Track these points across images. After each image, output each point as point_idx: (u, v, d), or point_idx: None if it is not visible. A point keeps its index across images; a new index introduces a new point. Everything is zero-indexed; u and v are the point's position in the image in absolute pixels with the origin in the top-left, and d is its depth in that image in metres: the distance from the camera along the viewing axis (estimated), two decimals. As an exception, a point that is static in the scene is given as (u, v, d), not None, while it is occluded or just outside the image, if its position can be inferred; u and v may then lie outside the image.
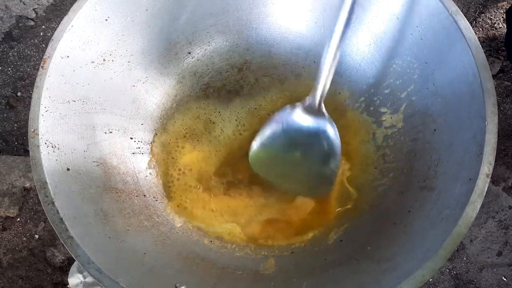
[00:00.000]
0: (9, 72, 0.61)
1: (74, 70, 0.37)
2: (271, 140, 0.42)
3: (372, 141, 0.45)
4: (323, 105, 0.40)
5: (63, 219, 0.30)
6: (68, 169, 0.34)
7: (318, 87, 0.38)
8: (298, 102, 0.41)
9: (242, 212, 0.43)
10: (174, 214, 0.42)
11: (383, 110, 0.44)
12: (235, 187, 0.45)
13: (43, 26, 0.64)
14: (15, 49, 0.62)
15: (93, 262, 0.29)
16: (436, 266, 0.29)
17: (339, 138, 0.41)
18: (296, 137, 0.41)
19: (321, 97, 0.39)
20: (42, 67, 0.35)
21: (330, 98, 0.48)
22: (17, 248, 0.53)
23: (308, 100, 0.40)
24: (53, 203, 0.31)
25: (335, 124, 0.41)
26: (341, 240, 0.39)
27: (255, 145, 0.43)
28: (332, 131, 0.41)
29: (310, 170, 0.43)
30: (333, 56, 0.36)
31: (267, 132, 0.42)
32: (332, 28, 0.36)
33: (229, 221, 0.42)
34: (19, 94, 0.60)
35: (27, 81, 0.61)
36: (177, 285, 0.32)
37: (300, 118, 0.41)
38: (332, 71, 0.37)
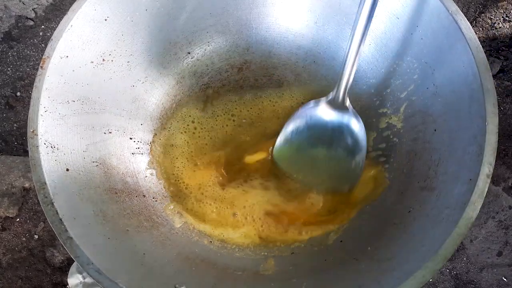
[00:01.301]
0: (8, 72, 0.61)
1: (73, 70, 0.37)
2: (295, 135, 0.42)
3: (372, 141, 0.45)
4: (347, 99, 0.40)
5: (62, 219, 0.30)
6: (67, 170, 0.34)
7: (341, 81, 0.38)
8: (322, 97, 0.41)
9: (251, 213, 0.43)
10: (183, 216, 0.42)
11: (383, 110, 0.44)
12: (237, 187, 0.45)
13: (43, 26, 0.63)
14: (15, 49, 0.62)
15: (92, 263, 0.29)
16: (436, 266, 0.29)
17: (365, 133, 0.41)
18: (320, 132, 0.41)
19: (344, 90, 0.39)
20: (41, 67, 0.34)
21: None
22: (16, 249, 0.52)
23: (331, 95, 0.40)
24: (52, 203, 0.31)
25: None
26: (341, 241, 0.39)
27: (279, 140, 0.43)
28: (357, 126, 0.41)
29: (334, 165, 0.43)
30: (356, 49, 0.36)
31: (290, 127, 0.42)
32: (348, 22, 0.35)
33: (240, 223, 0.42)
34: (18, 94, 0.60)
35: (26, 81, 0.60)
36: (177, 285, 0.31)
37: (324, 112, 0.41)
38: (356, 64, 0.37)
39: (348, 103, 0.40)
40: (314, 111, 0.41)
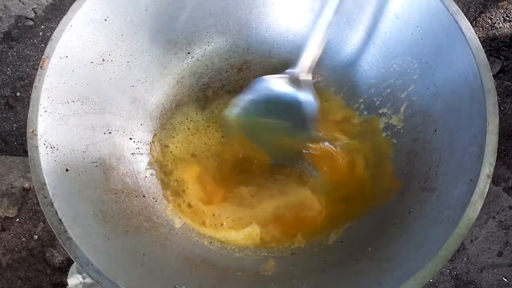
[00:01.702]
0: (8, 72, 0.61)
1: (73, 70, 0.37)
2: (252, 104, 0.43)
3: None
4: (308, 76, 0.41)
5: (62, 220, 0.30)
6: (67, 170, 0.34)
7: (303, 56, 0.39)
8: (286, 71, 0.42)
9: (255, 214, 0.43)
10: (184, 218, 0.42)
11: (383, 110, 0.44)
12: (240, 186, 0.44)
13: (42, 26, 0.63)
14: (14, 49, 0.62)
15: (92, 264, 0.29)
16: (436, 267, 0.28)
17: (317, 107, 0.41)
18: (275, 104, 0.42)
19: (308, 66, 0.40)
20: (41, 67, 0.34)
21: (331, 97, 0.48)
22: (16, 249, 0.52)
23: (292, 70, 0.41)
24: (52, 204, 0.31)
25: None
26: (341, 241, 0.39)
27: (234, 109, 0.43)
28: (312, 103, 0.41)
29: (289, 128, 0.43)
30: (325, 25, 0.37)
31: (249, 97, 0.43)
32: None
33: (244, 223, 0.42)
34: (18, 94, 0.60)
35: (26, 81, 0.60)
36: (177, 286, 0.31)
37: (283, 87, 0.41)
38: (323, 41, 0.38)
39: (309, 79, 0.41)
40: (272, 84, 0.42)
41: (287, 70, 0.41)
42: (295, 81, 0.41)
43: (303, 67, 0.40)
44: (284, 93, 0.41)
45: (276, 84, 0.41)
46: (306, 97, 0.41)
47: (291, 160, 0.46)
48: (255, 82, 0.42)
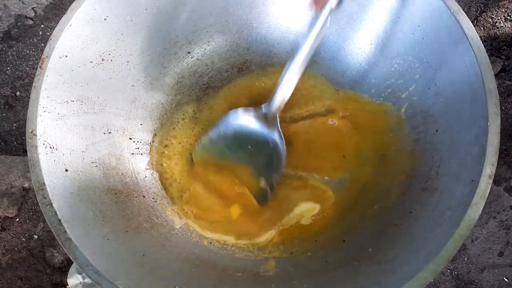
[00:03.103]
0: (8, 72, 0.61)
1: (72, 70, 0.37)
2: (219, 138, 0.43)
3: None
4: (277, 115, 0.41)
5: (61, 220, 0.30)
6: (66, 170, 0.34)
7: (276, 95, 0.39)
8: (254, 107, 0.42)
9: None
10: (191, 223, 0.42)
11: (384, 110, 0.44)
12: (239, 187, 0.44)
13: (42, 25, 0.63)
14: (14, 49, 0.62)
15: (91, 264, 0.29)
16: (438, 268, 0.28)
17: (285, 152, 0.41)
18: (243, 141, 0.42)
19: (277, 107, 0.40)
20: (40, 67, 0.34)
21: (330, 97, 0.48)
22: (16, 249, 0.52)
23: (264, 108, 0.41)
24: (51, 204, 0.31)
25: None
26: (343, 240, 0.39)
27: (203, 140, 0.43)
28: (279, 143, 0.41)
29: (253, 175, 0.43)
30: (299, 68, 0.38)
31: (216, 130, 0.43)
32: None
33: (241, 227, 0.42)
34: (18, 93, 0.60)
35: (26, 81, 0.60)
36: (177, 286, 0.31)
37: (253, 124, 0.42)
38: (293, 85, 0.38)
39: (277, 118, 0.41)
40: (244, 120, 0.42)
41: (263, 105, 0.41)
42: (265, 117, 0.41)
43: (276, 104, 0.40)
44: (252, 129, 0.42)
45: (246, 119, 0.42)
46: (273, 136, 0.41)
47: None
48: (227, 115, 0.42)
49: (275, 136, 0.41)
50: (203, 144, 0.43)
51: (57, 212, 0.31)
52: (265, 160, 0.42)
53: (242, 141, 0.42)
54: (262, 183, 0.42)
